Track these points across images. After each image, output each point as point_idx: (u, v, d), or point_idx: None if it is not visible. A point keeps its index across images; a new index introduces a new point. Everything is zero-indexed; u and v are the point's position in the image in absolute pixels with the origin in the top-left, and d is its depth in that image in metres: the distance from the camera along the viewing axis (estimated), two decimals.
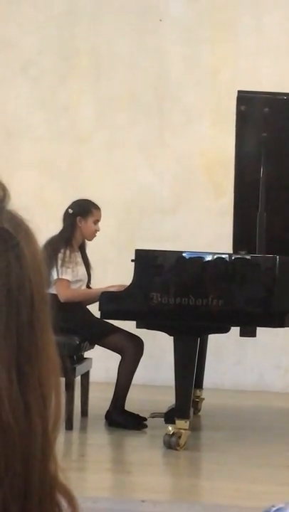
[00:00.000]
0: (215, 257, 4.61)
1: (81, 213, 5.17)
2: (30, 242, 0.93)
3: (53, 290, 5.11)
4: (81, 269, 5.18)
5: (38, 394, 0.91)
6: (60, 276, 5.03)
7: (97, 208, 5.21)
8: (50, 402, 0.93)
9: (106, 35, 6.74)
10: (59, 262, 5.03)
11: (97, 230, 5.21)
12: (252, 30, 6.64)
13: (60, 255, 5.04)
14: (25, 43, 6.77)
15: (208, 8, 6.67)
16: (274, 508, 1.14)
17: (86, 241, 5.28)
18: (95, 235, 5.23)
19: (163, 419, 4.89)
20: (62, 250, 5.06)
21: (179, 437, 4.57)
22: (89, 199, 5.24)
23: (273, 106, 4.98)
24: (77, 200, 5.26)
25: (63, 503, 0.95)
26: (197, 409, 5.51)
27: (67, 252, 5.07)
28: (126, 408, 5.09)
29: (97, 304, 4.76)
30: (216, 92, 6.63)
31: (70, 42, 6.76)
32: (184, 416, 4.58)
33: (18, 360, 0.90)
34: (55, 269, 5.04)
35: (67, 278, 5.05)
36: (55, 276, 5.05)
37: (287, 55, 6.61)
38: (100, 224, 5.22)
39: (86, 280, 5.23)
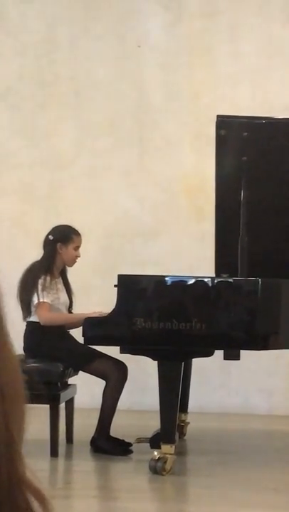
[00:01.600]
0: (198, 280, 4.62)
1: (61, 240, 5.17)
2: None
3: (34, 318, 5.11)
4: (62, 296, 5.18)
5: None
6: (40, 300, 5.03)
7: (77, 234, 5.22)
8: (13, 404, 0.94)
9: (85, 62, 6.78)
10: (39, 287, 5.03)
11: (77, 256, 5.22)
12: (230, 55, 6.71)
13: (40, 281, 5.05)
14: (4, 70, 6.79)
15: (186, 34, 6.73)
16: None
17: (67, 267, 5.28)
18: (76, 261, 5.23)
19: (148, 444, 4.88)
20: (42, 277, 5.06)
21: (165, 462, 4.56)
22: (69, 225, 5.25)
23: (252, 130, 5.02)
24: (58, 226, 5.27)
25: (35, 504, 0.95)
26: (182, 434, 5.49)
27: (48, 278, 5.07)
28: (111, 433, 5.08)
29: (81, 329, 4.76)
30: (196, 117, 6.68)
31: (49, 69, 6.79)
32: (170, 441, 4.57)
33: None
34: (35, 295, 5.04)
35: (47, 301, 5.05)
36: (35, 300, 5.05)
37: (265, 79, 6.68)
38: (80, 250, 5.23)
39: (67, 306, 5.23)
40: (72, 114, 6.77)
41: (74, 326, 5.05)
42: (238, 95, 6.63)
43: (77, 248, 5.21)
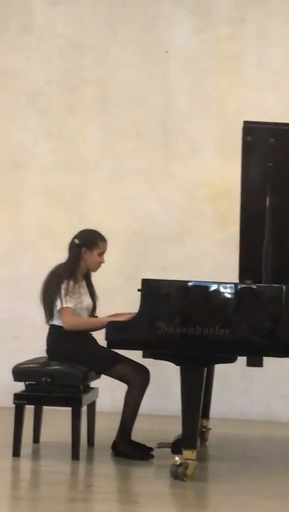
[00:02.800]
0: (221, 286, 4.62)
1: (87, 244, 5.18)
2: None
3: (57, 322, 5.12)
4: (85, 299, 5.19)
5: None
6: (63, 305, 5.05)
7: (103, 239, 5.22)
8: None
9: (112, 67, 6.80)
10: (62, 291, 5.05)
11: (101, 262, 5.22)
12: (256, 61, 6.70)
13: (63, 285, 5.06)
14: (33, 74, 6.83)
15: (213, 39, 6.73)
16: None
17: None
18: (100, 267, 5.24)
19: (170, 449, 4.88)
20: (65, 281, 5.07)
21: (186, 468, 4.55)
22: (96, 230, 5.25)
23: (278, 136, 5.01)
24: (84, 230, 5.27)
25: None
26: (204, 440, 5.49)
27: (71, 282, 5.08)
28: (132, 438, 5.08)
29: (104, 332, 4.77)
30: (221, 123, 6.68)
31: (77, 73, 6.82)
32: (191, 446, 4.57)
33: None
34: (58, 299, 5.06)
35: (70, 306, 5.06)
36: (58, 305, 5.06)
37: None
38: (105, 256, 5.23)
39: (90, 310, 5.24)
40: (99, 119, 6.79)
41: (98, 328, 5.06)
42: (264, 101, 6.62)
43: (101, 254, 5.21)
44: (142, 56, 6.77)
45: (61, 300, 5.05)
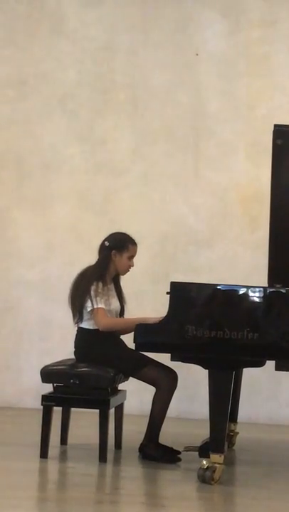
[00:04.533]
0: (250, 290, 4.60)
1: (117, 247, 5.18)
2: None
3: (85, 324, 5.12)
4: (114, 302, 5.19)
5: None
6: (94, 306, 5.04)
7: (133, 243, 5.22)
8: None
9: (143, 69, 6.81)
10: (92, 293, 5.05)
11: (131, 266, 5.22)
12: (287, 64, 6.67)
13: (92, 287, 5.06)
14: (64, 76, 6.86)
15: (244, 42, 6.72)
16: None
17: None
18: (129, 271, 5.23)
19: (197, 452, 4.87)
20: (94, 283, 5.08)
21: (214, 471, 4.54)
22: (126, 233, 5.25)
23: None
24: (115, 233, 5.27)
25: None
26: (231, 444, 5.47)
27: (100, 284, 5.08)
28: (160, 441, 5.07)
29: (132, 335, 4.77)
30: (252, 126, 6.66)
31: (107, 76, 6.83)
32: (219, 450, 4.56)
33: None
34: (89, 301, 5.06)
35: (102, 306, 5.05)
36: (89, 307, 5.06)
37: None
38: (134, 259, 5.23)
39: (118, 313, 5.23)
40: (129, 121, 6.80)
41: (131, 330, 5.04)
42: None
43: (131, 258, 5.21)
44: (173, 59, 6.77)
45: (92, 301, 5.05)
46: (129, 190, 6.77)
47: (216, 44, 6.73)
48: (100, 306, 5.04)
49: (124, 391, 5.32)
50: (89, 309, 5.07)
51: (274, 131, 4.99)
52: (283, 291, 4.61)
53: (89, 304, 5.06)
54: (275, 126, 5.02)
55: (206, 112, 6.73)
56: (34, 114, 6.86)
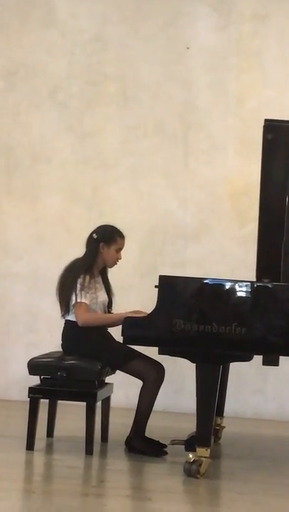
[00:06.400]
0: (238, 284, 4.60)
1: (105, 240, 5.18)
2: None
3: (72, 317, 5.12)
4: (101, 295, 5.18)
5: None
6: (77, 300, 5.04)
7: (121, 236, 5.21)
8: None
9: (133, 62, 6.79)
10: (78, 286, 5.04)
11: (118, 259, 5.21)
12: (278, 58, 6.67)
13: (79, 280, 5.06)
14: (54, 68, 6.83)
15: (235, 36, 6.71)
16: None
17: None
18: (116, 263, 5.23)
19: (183, 446, 4.87)
20: (82, 276, 5.07)
21: (200, 465, 4.55)
22: (115, 226, 5.24)
23: None
24: (103, 226, 5.27)
25: None
26: (218, 437, 5.48)
27: (87, 277, 5.08)
28: (146, 434, 5.08)
29: (120, 328, 4.77)
30: (242, 120, 6.65)
31: (98, 68, 6.81)
32: (205, 444, 4.57)
33: None
34: (74, 294, 5.05)
35: (85, 301, 5.05)
36: (73, 300, 5.06)
37: None
38: (122, 252, 5.22)
39: (106, 305, 5.23)
40: (119, 114, 6.78)
41: (113, 324, 5.06)
42: (285, 99, 6.59)
43: (119, 250, 5.20)
44: (163, 52, 6.76)
45: (76, 295, 5.05)
46: (118, 183, 6.76)
47: (207, 38, 6.72)
48: (82, 300, 5.04)
49: (111, 384, 5.32)
50: (73, 302, 5.06)
51: (264, 126, 4.99)
52: (271, 285, 4.62)
53: (73, 297, 5.06)
54: (266, 120, 5.02)
55: (196, 105, 6.72)
56: (24, 105, 6.83)
